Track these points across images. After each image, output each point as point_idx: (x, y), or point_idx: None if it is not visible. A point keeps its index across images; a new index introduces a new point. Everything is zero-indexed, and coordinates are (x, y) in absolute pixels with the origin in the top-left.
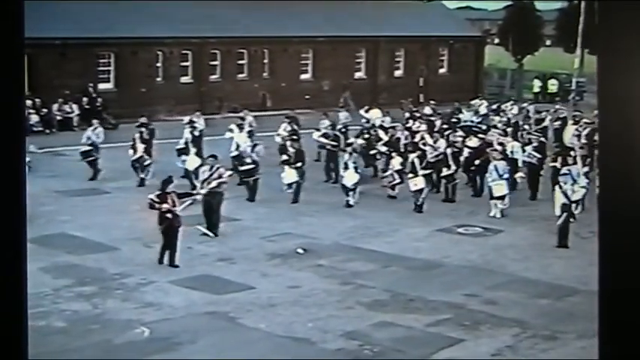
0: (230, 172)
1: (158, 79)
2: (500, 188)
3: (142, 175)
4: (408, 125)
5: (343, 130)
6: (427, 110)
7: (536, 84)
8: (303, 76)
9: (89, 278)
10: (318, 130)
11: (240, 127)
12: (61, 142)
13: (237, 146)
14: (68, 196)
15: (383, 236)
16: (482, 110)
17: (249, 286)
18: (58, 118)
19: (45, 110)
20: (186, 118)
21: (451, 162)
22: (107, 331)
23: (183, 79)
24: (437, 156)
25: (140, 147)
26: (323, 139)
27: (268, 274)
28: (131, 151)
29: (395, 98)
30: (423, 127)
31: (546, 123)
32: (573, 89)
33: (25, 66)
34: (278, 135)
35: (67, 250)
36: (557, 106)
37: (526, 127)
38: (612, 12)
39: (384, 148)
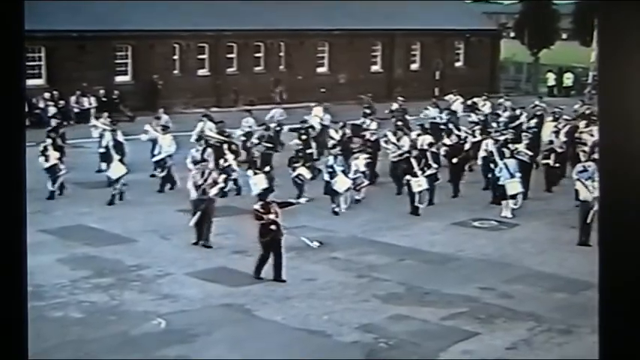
0: (224, 176)
1: (175, 71)
2: (515, 186)
3: (51, 187)
4: (356, 123)
5: (278, 128)
6: (394, 106)
7: (550, 77)
8: (320, 70)
9: (107, 270)
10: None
11: (164, 128)
12: (78, 135)
13: (159, 149)
14: (85, 188)
15: (398, 229)
16: (456, 106)
17: (265, 279)
18: (76, 110)
19: (62, 102)
20: (94, 121)
21: (431, 161)
22: (124, 322)
23: (200, 72)
24: (400, 155)
25: (54, 155)
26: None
27: (284, 266)
28: (42, 159)
29: (411, 92)
30: (374, 125)
31: (522, 120)
32: (590, 83)
33: (24, 62)
34: (203, 135)
35: (84, 241)
36: (536, 102)
37: (494, 124)
38: (612, 11)
39: (336, 149)
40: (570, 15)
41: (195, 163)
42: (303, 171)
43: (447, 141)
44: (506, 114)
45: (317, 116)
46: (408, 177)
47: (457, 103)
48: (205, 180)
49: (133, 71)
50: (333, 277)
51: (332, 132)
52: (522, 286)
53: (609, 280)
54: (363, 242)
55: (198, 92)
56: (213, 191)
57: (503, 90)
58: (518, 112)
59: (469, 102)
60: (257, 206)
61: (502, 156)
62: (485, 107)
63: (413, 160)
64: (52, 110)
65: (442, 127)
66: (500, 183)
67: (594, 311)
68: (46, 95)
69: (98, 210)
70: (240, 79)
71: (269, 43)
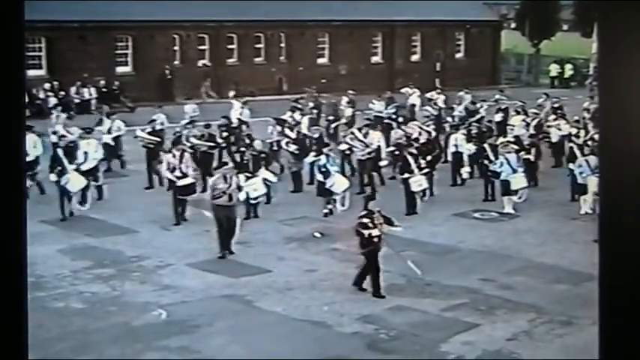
0: (244, 178)
1: (175, 62)
2: (519, 180)
3: None
4: (282, 118)
5: (190, 126)
6: (344, 100)
7: (554, 68)
8: (320, 60)
9: (107, 260)
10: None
11: (88, 132)
12: (79, 126)
13: (84, 156)
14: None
15: (399, 221)
16: (414, 99)
17: (266, 270)
18: (76, 101)
19: (63, 93)
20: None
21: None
22: (125, 313)
23: (201, 63)
24: (369, 153)
25: None
26: (196, 141)
27: (285, 257)
28: None
29: (412, 83)
30: (305, 120)
31: (482, 114)
32: (591, 74)
33: (24, 53)
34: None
35: (85, 232)
36: (497, 96)
37: (449, 119)
38: (612, 11)
39: (292, 147)
40: (571, 6)
41: (173, 170)
42: (268, 175)
43: (421, 139)
44: (461, 107)
45: (235, 111)
46: (406, 175)
47: (414, 96)
48: (229, 185)
49: (133, 62)
50: (334, 268)
51: (287, 130)
52: (523, 278)
53: (609, 278)
54: None
55: (199, 83)
56: (241, 196)
57: (505, 81)
58: (478, 105)
59: (427, 95)
60: (365, 220)
61: (496, 152)
62: (439, 101)
63: (409, 157)
64: (52, 101)
65: (386, 121)
66: (503, 178)
67: (595, 303)
68: (47, 86)
69: (99, 200)
70: (241, 70)
71: (269, 34)
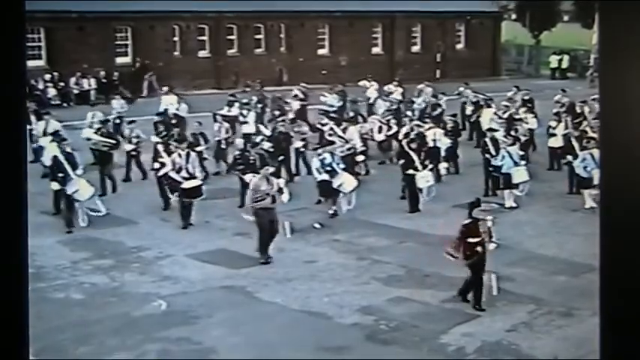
0: (284, 180)
1: (175, 53)
2: (521, 174)
3: None
4: (226, 114)
5: (117, 121)
6: (296, 92)
7: (554, 60)
8: (320, 52)
9: (107, 251)
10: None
11: (55, 135)
12: (78, 116)
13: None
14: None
15: (399, 212)
16: (372, 93)
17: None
18: (75, 91)
19: (62, 84)
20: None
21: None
22: (125, 303)
23: (201, 54)
24: (349, 149)
25: None
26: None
27: (285, 248)
28: None
29: (412, 74)
30: (251, 116)
31: (444, 107)
32: (591, 66)
33: (25, 48)
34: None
35: (85, 223)
36: (461, 88)
37: (409, 113)
38: (612, 12)
39: (267, 145)
40: None
41: (179, 170)
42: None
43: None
44: (420, 100)
45: (172, 105)
46: (410, 171)
47: (372, 89)
48: (271, 187)
49: (133, 53)
50: (334, 260)
51: (262, 127)
52: (523, 269)
53: (610, 270)
54: (363, 224)
55: (199, 74)
56: (284, 198)
57: (505, 72)
58: (439, 97)
59: (385, 88)
60: (468, 224)
61: (496, 145)
62: (396, 94)
63: (412, 153)
64: (51, 92)
65: (333, 115)
66: (504, 171)
67: (595, 294)
68: (47, 77)
69: (98, 191)
70: (242, 61)
71: (269, 25)
